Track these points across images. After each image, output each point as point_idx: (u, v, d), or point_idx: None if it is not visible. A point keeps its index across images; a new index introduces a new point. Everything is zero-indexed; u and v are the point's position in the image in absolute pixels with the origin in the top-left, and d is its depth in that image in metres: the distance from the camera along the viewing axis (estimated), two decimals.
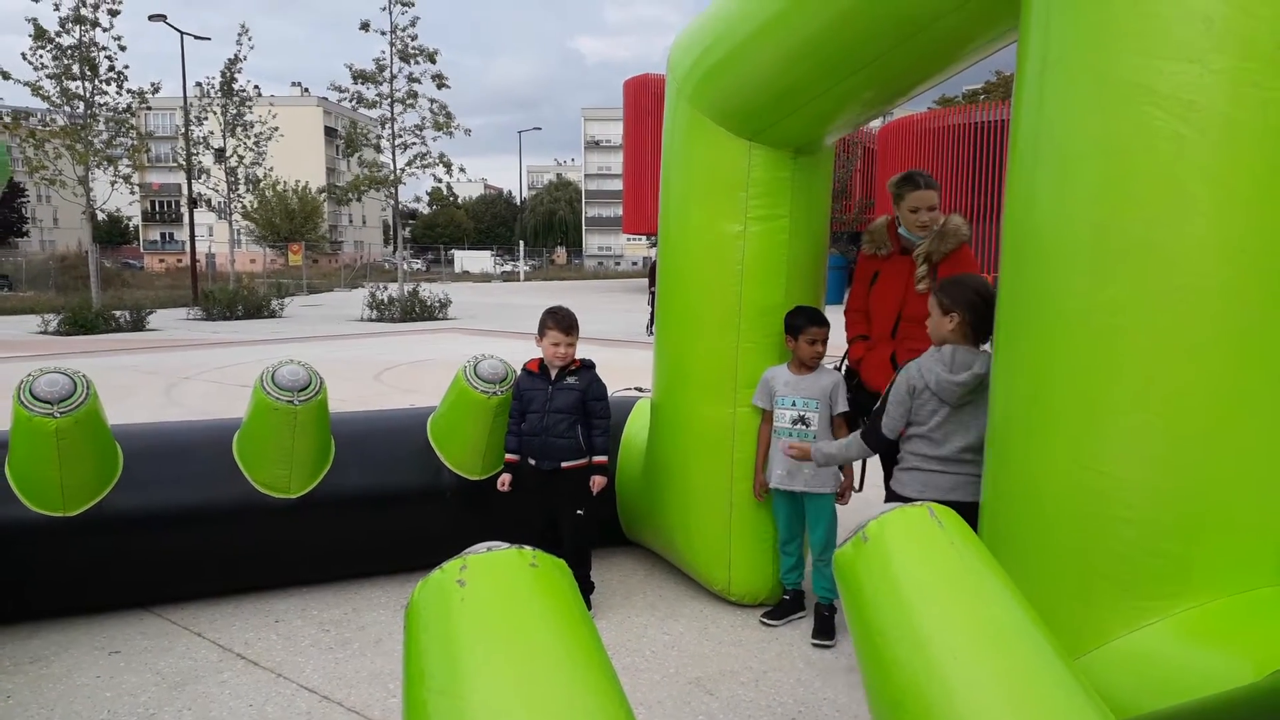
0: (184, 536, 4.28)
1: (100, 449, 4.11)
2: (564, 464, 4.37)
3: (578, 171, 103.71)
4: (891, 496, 3.55)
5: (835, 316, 4.28)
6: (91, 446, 4.03)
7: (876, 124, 39.00)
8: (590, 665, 1.53)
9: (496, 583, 1.57)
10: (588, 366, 4.50)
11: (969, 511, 3.44)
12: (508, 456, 4.49)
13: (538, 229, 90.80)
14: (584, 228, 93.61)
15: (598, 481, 4.45)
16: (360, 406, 9.86)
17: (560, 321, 4.40)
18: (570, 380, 4.42)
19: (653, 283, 31.45)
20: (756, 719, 3.50)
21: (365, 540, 4.63)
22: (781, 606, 4.39)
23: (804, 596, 4.42)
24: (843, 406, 4.17)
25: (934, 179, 4.34)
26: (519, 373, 4.55)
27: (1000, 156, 24.25)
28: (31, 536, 3.99)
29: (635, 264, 79.17)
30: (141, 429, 4.67)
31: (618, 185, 59.01)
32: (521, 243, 65.01)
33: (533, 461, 4.40)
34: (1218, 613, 2.60)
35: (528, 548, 1.65)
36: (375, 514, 4.61)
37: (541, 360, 4.45)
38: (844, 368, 4.49)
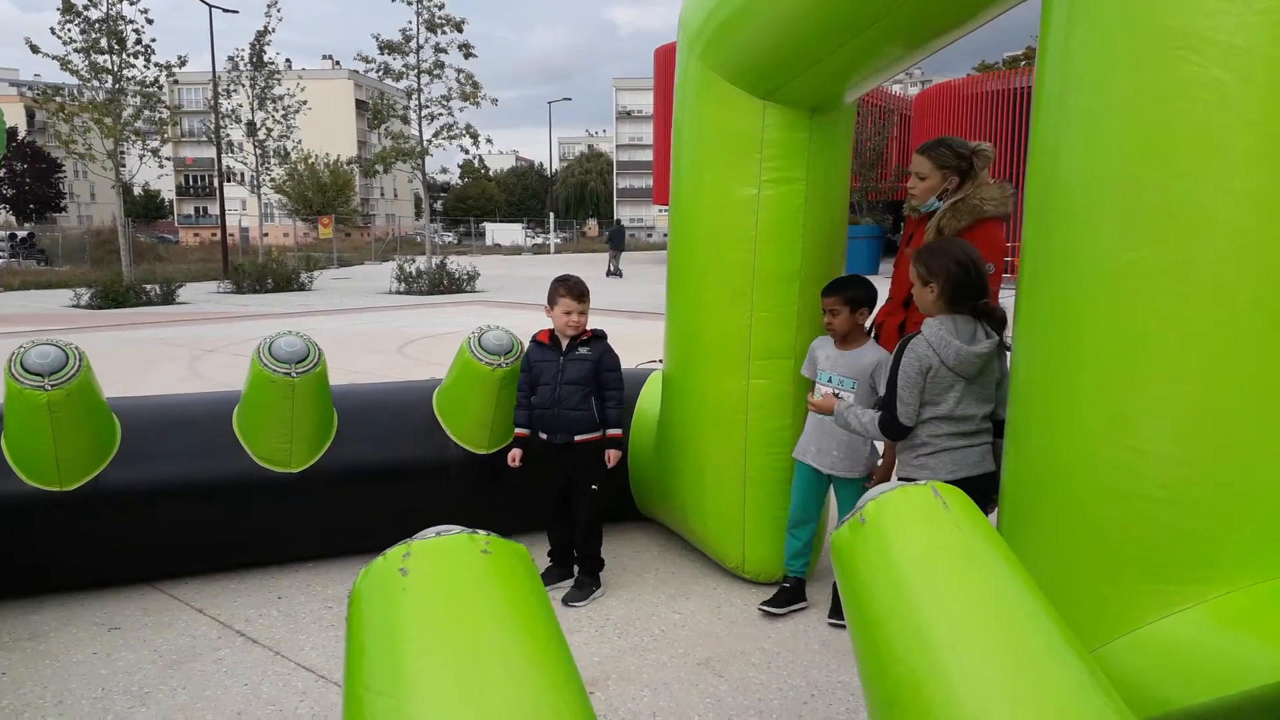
0: (184, 511, 4.20)
1: (95, 422, 4.03)
2: (577, 437, 4.23)
3: (609, 143, 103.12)
4: None
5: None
6: (85, 419, 3.94)
7: (913, 90, 38.24)
8: (546, 662, 1.38)
9: (443, 572, 1.43)
10: (599, 336, 4.34)
11: (994, 480, 3.27)
12: (517, 431, 4.34)
13: (569, 201, 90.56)
14: (615, 199, 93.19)
15: (613, 455, 4.31)
16: (382, 379, 9.80)
17: (572, 289, 4.24)
18: (582, 350, 4.27)
19: (612, 245, 31.68)
20: (767, 702, 3.36)
21: (370, 515, 4.53)
22: (782, 594, 4.15)
23: (804, 584, 4.20)
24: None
25: (949, 146, 3.99)
26: (527, 344, 4.40)
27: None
28: (28, 511, 3.93)
29: (666, 235, 78.55)
30: (140, 402, 4.58)
31: (649, 156, 58.60)
32: (552, 215, 64.83)
33: (544, 436, 4.26)
34: (1255, 599, 2.42)
35: (481, 532, 1.51)
36: (379, 488, 4.50)
37: (552, 331, 4.30)
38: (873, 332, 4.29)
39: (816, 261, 4.17)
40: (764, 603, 4.14)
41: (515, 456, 4.32)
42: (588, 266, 37.08)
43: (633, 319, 15.96)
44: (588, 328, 4.30)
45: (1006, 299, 3.12)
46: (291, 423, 4.21)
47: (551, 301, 4.25)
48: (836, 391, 3.86)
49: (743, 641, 3.85)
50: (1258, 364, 2.37)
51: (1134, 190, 2.45)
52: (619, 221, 35.19)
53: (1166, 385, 2.40)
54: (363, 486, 4.46)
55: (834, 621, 3.97)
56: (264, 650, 3.75)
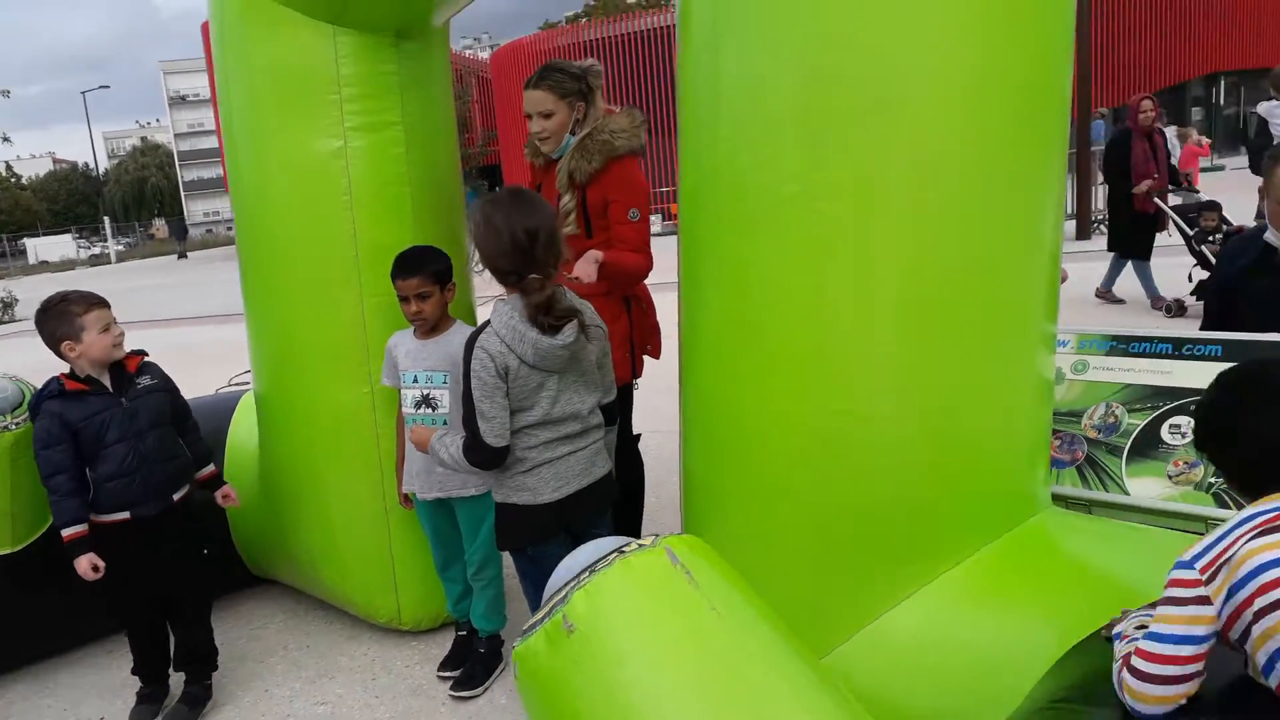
0: None
1: None
2: (176, 496, 3.05)
3: (166, 133, 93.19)
4: (515, 517, 2.51)
5: None
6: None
7: (485, 54, 38.01)
8: None
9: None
10: (142, 353, 3.14)
11: (611, 482, 2.61)
12: (72, 533, 2.87)
13: (127, 202, 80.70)
14: (182, 193, 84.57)
15: (232, 493, 3.29)
16: None
17: (94, 299, 2.98)
18: (145, 380, 3.05)
19: (175, 237, 31.09)
20: None
21: None
22: (475, 667, 3.18)
23: (500, 643, 3.28)
24: None
25: (561, 69, 3.25)
26: (50, 403, 2.91)
27: (614, 73, 24.22)
28: None
29: None
30: None
31: (214, 142, 53.46)
32: (108, 220, 57.09)
33: (126, 515, 2.94)
34: (990, 564, 2.03)
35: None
36: None
37: (81, 375, 2.95)
38: None
39: (431, 225, 3.33)
40: (452, 688, 3.12)
41: (90, 566, 2.87)
42: (159, 273, 33.14)
43: (218, 324, 14.01)
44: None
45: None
46: None
47: (70, 330, 2.89)
48: (427, 394, 2.98)
49: None
50: (967, 293, 1.94)
51: (823, 86, 1.91)
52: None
53: (873, 334, 1.93)
54: None
55: (457, 694, 3.10)
56: None
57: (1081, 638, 1.72)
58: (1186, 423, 2.38)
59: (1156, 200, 8.04)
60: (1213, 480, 2.27)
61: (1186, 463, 2.32)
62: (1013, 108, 1.90)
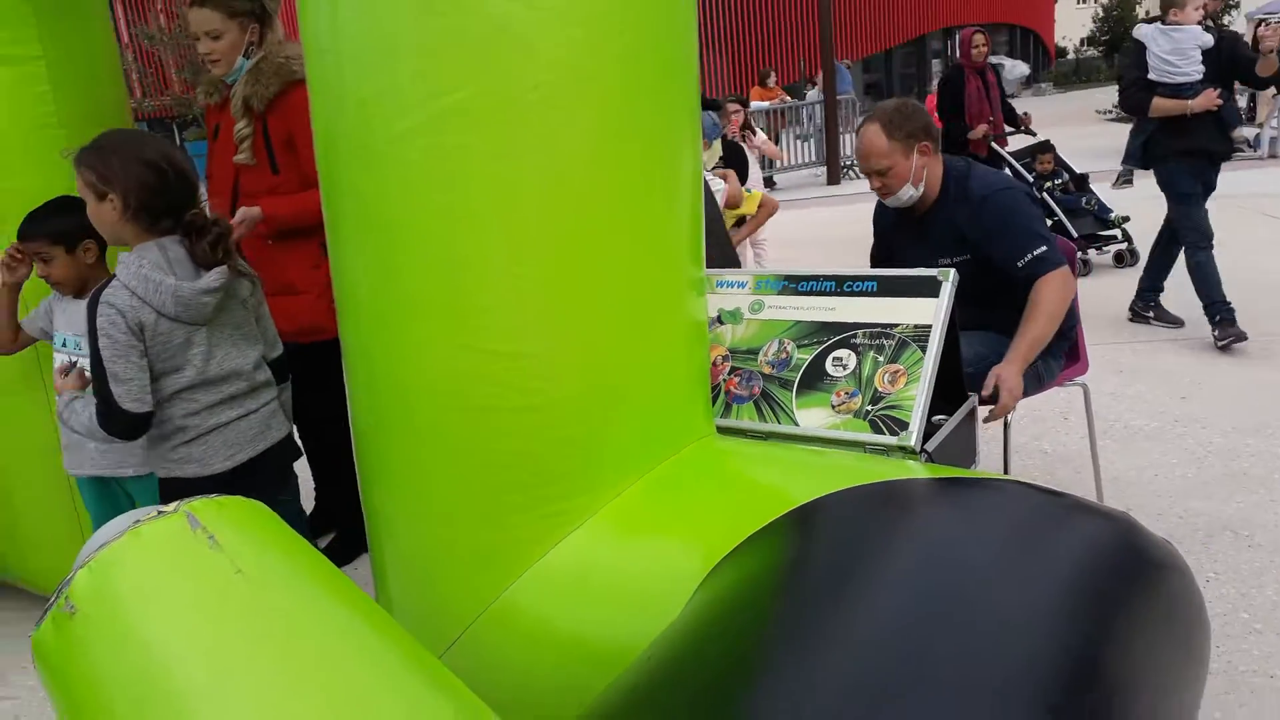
0: None
1: None
2: None
3: None
4: (184, 491, 2.22)
5: None
6: None
7: None
8: None
9: None
10: None
11: (290, 440, 2.46)
12: None
13: None
14: None
15: None
16: None
17: None
18: None
19: None
20: None
21: None
22: None
23: None
24: None
25: None
26: None
27: None
28: None
29: None
30: None
31: None
32: None
33: None
34: (643, 496, 2.06)
35: None
36: None
37: None
38: None
39: None
40: None
41: None
42: None
43: None
44: None
45: None
46: None
47: None
48: (74, 359, 2.63)
49: None
50: (611, 233, 1.91)
51: (436, 13, 1.74)
52: None
53: (509, 266, 1.85)
54: None
55: None
56: None
57: (730, 548, 1.73)
58: (847, 355, 2.48)
59: (993, 144, 7.36)
60: (869, 408, 2.40)
61: (847, 393, 2.43)
62: (637, 48, 1.87)
